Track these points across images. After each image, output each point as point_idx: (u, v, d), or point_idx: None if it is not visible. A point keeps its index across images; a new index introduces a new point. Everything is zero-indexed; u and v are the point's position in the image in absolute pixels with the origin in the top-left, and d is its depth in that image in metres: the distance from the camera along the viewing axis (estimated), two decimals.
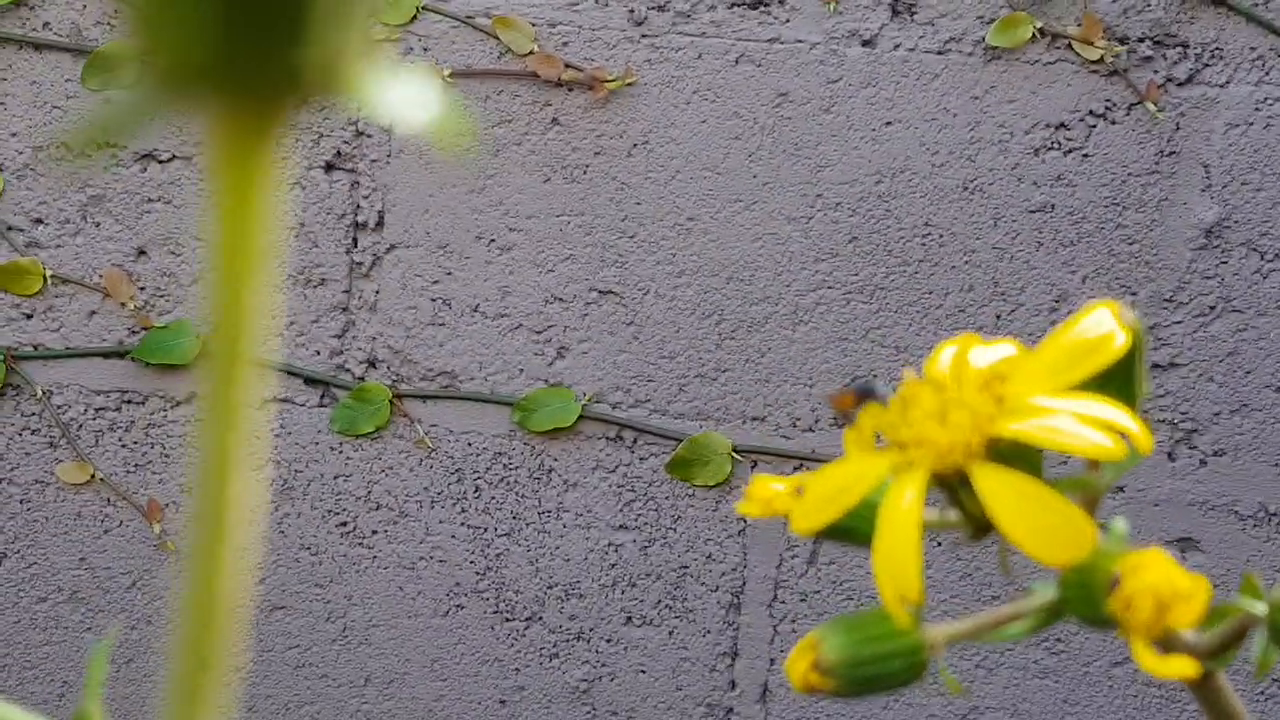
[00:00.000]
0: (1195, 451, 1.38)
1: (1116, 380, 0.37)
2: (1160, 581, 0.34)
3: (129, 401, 1.45)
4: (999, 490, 0.35)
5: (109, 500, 1.46)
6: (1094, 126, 1.36)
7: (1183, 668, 0.34)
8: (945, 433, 0.36)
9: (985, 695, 1.42)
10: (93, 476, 1.45)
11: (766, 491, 0.41)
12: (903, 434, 0.37)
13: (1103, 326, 0.36)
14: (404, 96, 0.17)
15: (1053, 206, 1.36)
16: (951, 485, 0.37)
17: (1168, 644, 0.38)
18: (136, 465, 1.45)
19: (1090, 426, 0.34)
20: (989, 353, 0.37)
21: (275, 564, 1.46)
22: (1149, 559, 0.34)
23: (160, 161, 1.42)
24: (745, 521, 1.41)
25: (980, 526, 0.37)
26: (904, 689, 0.40)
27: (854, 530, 0.39)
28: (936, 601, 1.42)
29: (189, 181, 1.42)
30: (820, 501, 0.38)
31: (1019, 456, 0.36)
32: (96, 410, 1.45)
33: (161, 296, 1.43)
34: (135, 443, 1.45)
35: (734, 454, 1.40)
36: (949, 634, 0.39)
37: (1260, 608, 0.37)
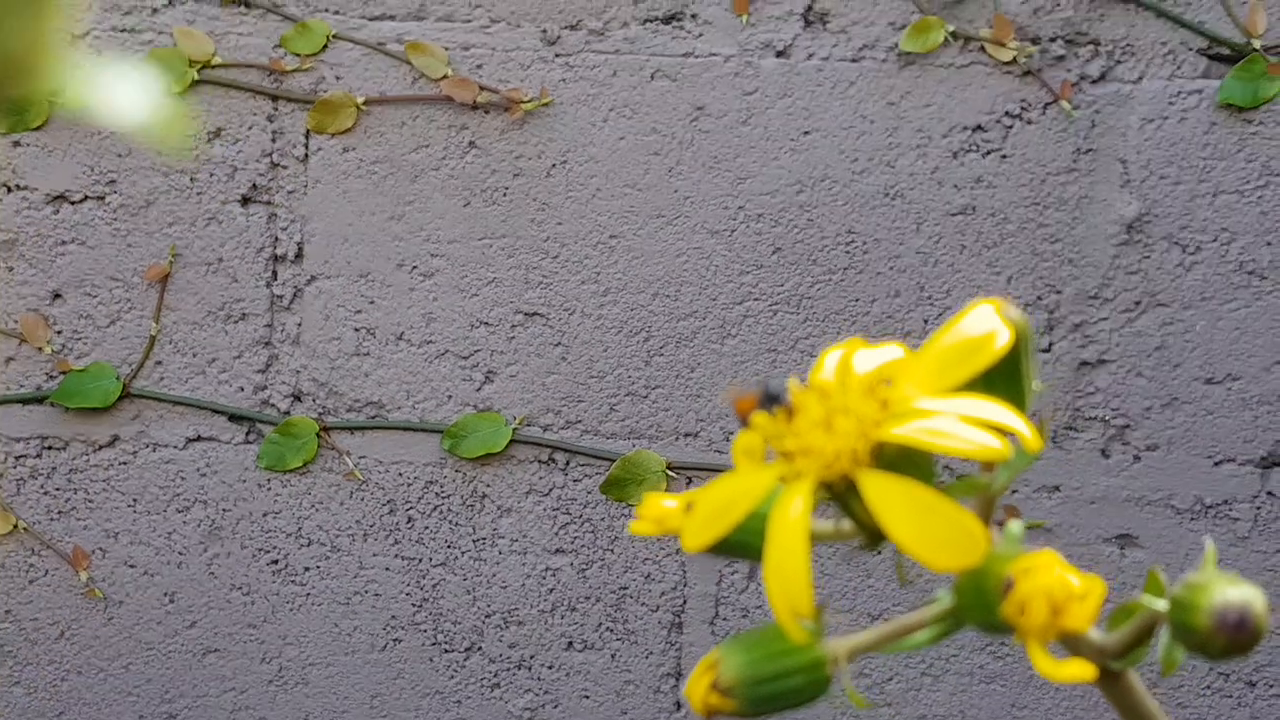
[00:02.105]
0: (1128, 448, 1.38)
1: (1003, 378, 0.36)
2: (1053, 583, 0.33)
3: (50, 448, 1.42)
4: (887, 497, 0.34)
5: (33, 550, 1.43)
6: (1010, 127, 1.36)
7: (1079, 671, 0.33)
8: (831, 440, 0.35)
9: (932, 703, 1.42)
10: (15, 526, 1.42)
11: (658, 510, 0.40)
12: (788, 444, 0.36)
13: (985, 324, 0.35)
14: (116, 94, 0.15)
15: (974, 208, 1.36)
16: (842, 494, 0.36)
17: (1074, 645, 0.37)
18: (60, 512, 1.43)
19: (974, 427, 0.33)
20: (874, 356, 0.36)
21: (206, 606, 1.44)
22: (1041, 560, 0.33)
23: (72, 203, 1.39)
24: None
25: (873, 535, 0.36)
26: (808, 705, 0.39)
27: (745, 545, 0.38)
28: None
29: (102, 222, 1.40)
30: (709, 517, 0.37)
31: (908, 461, 0.35)
32: (17, 458, 1.42)
33: (79, 339, 1.41)
34: (58, 489, 1.42)
35: (668, 471, 1.39)
36: (851, 647, 0.38)
37: (1162, 605, 0.36)
